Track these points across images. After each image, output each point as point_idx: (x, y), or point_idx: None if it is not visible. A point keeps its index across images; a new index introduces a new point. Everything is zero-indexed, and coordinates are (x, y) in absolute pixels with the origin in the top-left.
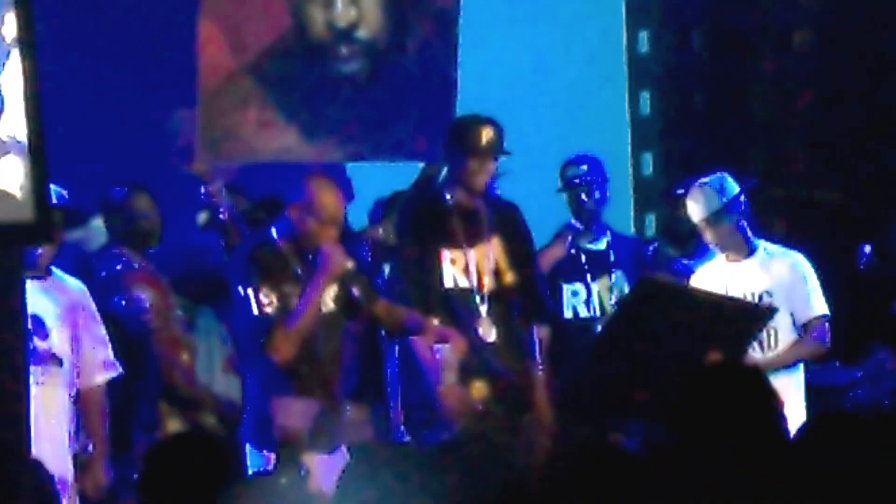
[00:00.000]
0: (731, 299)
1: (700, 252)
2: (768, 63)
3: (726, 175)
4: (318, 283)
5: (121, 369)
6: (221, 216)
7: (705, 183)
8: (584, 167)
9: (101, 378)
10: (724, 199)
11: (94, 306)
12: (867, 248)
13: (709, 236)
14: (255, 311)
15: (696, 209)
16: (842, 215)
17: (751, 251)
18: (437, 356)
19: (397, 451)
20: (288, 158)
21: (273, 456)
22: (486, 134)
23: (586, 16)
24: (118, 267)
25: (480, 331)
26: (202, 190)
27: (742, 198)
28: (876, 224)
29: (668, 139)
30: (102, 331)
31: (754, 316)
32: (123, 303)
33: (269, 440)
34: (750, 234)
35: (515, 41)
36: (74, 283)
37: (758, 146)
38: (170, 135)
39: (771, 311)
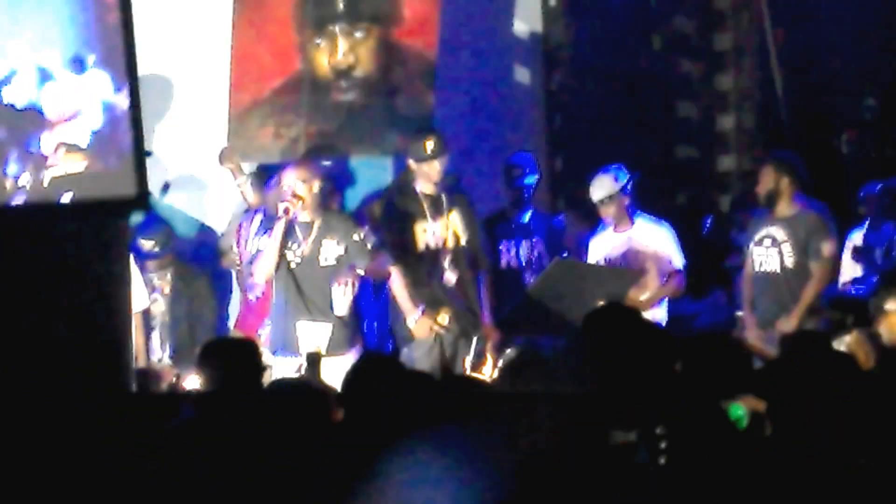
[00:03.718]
0: (612, 268)
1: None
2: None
3: (621, 167)
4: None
5: None
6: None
7: (605, 172)
8: (520, 162)
9: None
10: (617, 185)
11: None
12: (709, 220)
13: (604, 212)
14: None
15: (597, 191)
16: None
17: (632, 223)
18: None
19: None
20: (294, 158)
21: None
22: (430, 143)
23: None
24: None
25: (444, 276)
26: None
27: (629, 185)
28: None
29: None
30: None
31: (628, 277)
32: None
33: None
34: (630, 211)
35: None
36: None
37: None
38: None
39: (638, 275)
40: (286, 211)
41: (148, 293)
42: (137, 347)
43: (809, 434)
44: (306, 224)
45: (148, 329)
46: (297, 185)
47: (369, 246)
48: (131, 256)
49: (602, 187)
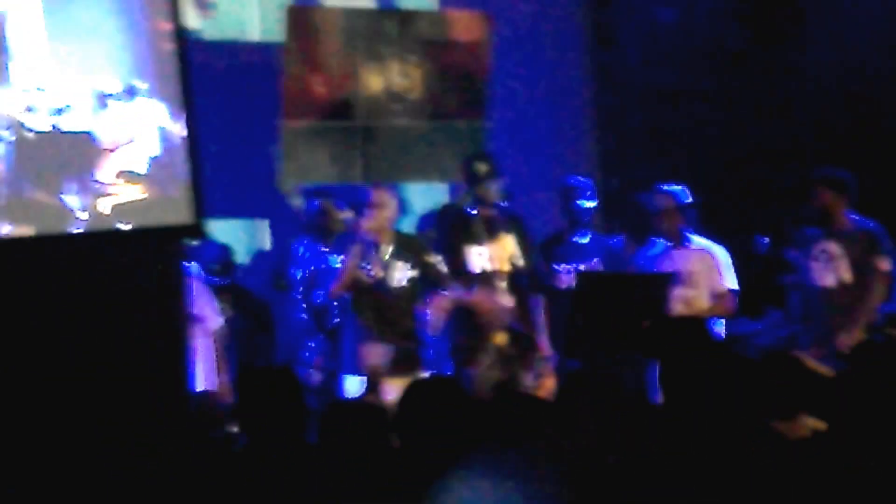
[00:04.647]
0: (636, 274)
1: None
2: None
3: (682, 185)
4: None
5: None
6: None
7: (665, 187)
8: (578, 185)
9: None
10: (675, 201)
11: None
12: (764, 240)
13: (659, 227)
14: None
15: (656, 204)
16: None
17: (685, 242)
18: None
19: None
20: (355, 181)
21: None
22: (482, 167)
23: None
24: None
25: (501, 300)
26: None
27: (687, 202)
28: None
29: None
30: None
31: (659, 281)
32: None
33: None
34: (685, 229)
35: None
36: None
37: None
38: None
39: (669, 277)
40: (368, 232)
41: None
42: (209, 368)
43: (872, 451)
44: (378, 246)
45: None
46: (379, 208)
47: (444, 269)
48: (198, 280)
49: (661, 201)
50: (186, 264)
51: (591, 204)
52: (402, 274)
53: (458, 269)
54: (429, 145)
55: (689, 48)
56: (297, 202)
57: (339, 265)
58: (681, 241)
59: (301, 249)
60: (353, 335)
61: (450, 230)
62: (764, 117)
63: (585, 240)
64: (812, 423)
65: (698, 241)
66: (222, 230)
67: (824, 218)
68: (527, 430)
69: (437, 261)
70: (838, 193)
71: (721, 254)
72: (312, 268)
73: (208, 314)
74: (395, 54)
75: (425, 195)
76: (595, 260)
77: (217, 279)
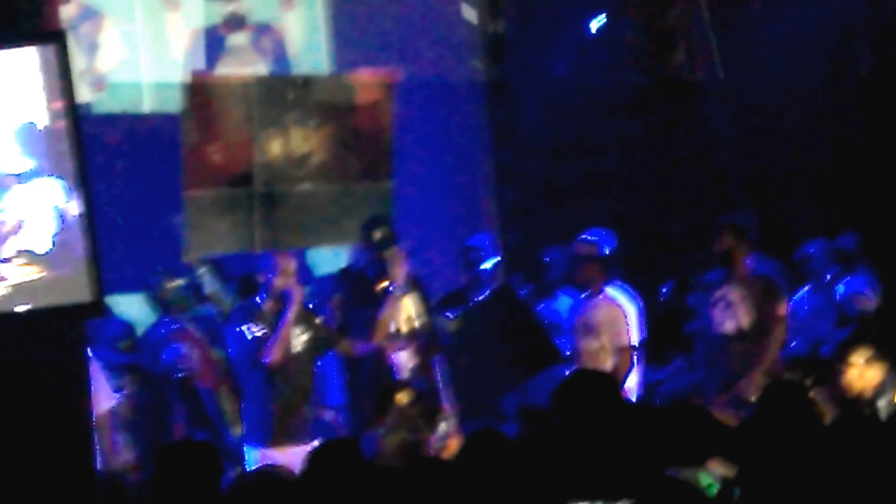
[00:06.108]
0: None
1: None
2: None
3: (606, 232)
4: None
5: None
6: (206, 290)
7: (590, 234)
8: (478, 245)
9: None
10: (597, 249)
11: None
12: (667, 287)
13: (580, 275)
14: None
15: (580, 250)
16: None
17: (601, 291)
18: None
19: None
20: (256, 249)
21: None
22: (378, 234)
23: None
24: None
25: (402, 360)
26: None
27: (607, 251)
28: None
29: None
30: None
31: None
32: None
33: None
34: (603, 278)
35: None
36: None
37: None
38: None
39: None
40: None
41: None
42: (105, 448)
43: (780, 496)
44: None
45: (114, 430)
46: (282, 274)
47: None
48: (92, 358)
49: (583, 249)
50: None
51: (491, 262)
52: (298, 339)
53: (365, 331)
54: (332, 209)
55: (586, 100)
56: (202, 273)
57: (258, 334)
58: (597, 291)
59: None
60: (256, 402)
61: (352, 294)
62: (664, 166)
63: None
64: (722, 469)
65: (610, 292)
66: (126, 305)
67: (726, 263)
68: (433, 495)
69: (323, 321)
70: (740, 238)
71: (630, 307)
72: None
73: (101, 394)
74: (295, 119)
75: (329, 259)
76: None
77: (121, 356)
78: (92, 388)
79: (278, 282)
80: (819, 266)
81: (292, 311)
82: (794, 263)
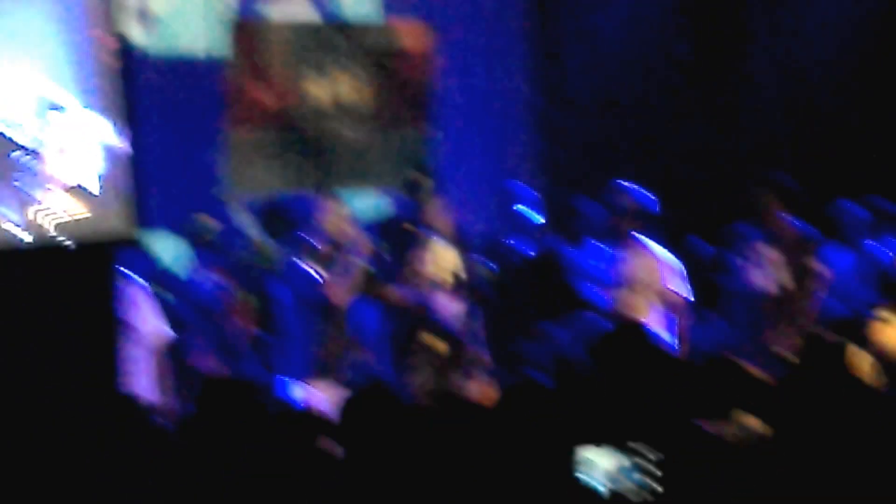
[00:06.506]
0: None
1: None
2: None
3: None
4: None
5: None
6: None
7: (626, 187)
8: (515, 191)
9: None
10: (634, 202)
11: None
12: (705, 244)
13: (616, 228)
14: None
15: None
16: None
17: (639, 244)
18: None
19: None
20: (298, 191)
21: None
22: (420, 179)
23: None
24: None
25: (440, 307)
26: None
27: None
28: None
29: None
30: None
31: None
32: None
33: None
34: (638, 231)
35: None
36: None
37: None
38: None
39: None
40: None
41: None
42: (156, 377)
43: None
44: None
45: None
46: (333, 216)
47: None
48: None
49: (623, 201)
50: (131, 276)
51: (526, 208)
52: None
53: (401, 277)
54: (374, 155)
55: (632, 59)
56: (242, 214)
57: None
58: (633, 244)
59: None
60: (299, 340)
61: (392, 240)
62: (707, 126)
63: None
64: (754, 425)
65: (650, 245)
66: (167, 244)
67: (762, 220)
68: (467, 437)
69: (366, 266)
70: (778, 197)
71: (671, 260)
72: None
73: (151, 326)
74: (340, 66)
75: (369, 204)
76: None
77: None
78: (141, 318)
79: (332, 226)
80: (855, 227)
81: (360, 257)
82: (828, 224)
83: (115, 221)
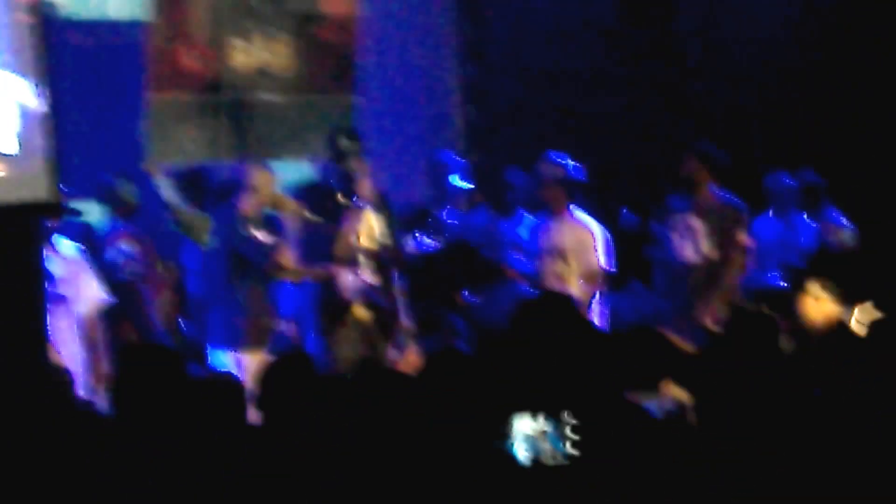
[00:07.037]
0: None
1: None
2: None
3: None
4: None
5: None
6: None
7: (554, 156)
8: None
9: None
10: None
11: None
12: (631, 214)
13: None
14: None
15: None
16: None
17: (567, 214)
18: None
19: None
20: (220, 158)
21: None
22: (347, 143)
23: None
24: None
25: (363, 273)
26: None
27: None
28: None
29: None
30: None
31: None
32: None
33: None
34: (567, 201)
35: None
36: None
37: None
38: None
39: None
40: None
41: None
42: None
43: (736, 423)
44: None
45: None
46: (259, 187)
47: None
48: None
49: (551, 171)
50: (61, 240)
51: (464, 185)
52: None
53: (325, 243)
54: (297, 120)
55: (558, 28)
56: (163, 181)
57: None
58: (562, 214)
59: None
60: (226, 308)
61: (315, 206)
62: (633, 95)
63: (446, 213)
64: (676, 394)
65: (579, 215)
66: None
67: (690, 190)
68: (389, 406)
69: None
70: (706, 166)
71: (599, 231)
72: None
73: (85, 292)
74: (264, 31)
75: (293, 171)
76: (456, 234)
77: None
78: (73, 284)
79: (259, 193)
80: (786, 198)
81: (294, 223)
82: (759, 195)
83: (37, 184)
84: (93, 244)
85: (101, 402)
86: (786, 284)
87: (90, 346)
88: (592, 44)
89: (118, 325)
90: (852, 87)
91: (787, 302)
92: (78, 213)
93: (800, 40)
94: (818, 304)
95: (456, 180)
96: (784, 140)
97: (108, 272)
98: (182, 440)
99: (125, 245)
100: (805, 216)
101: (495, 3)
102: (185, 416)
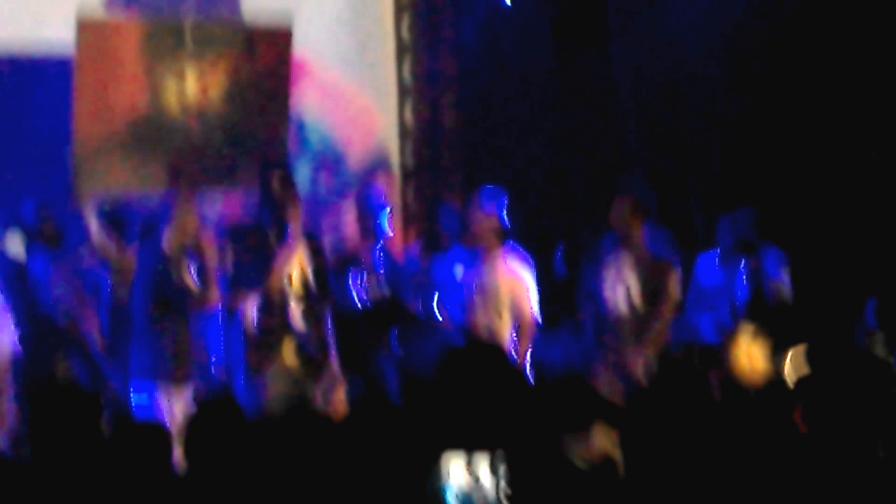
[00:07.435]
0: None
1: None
2: None
3: (500, 191)
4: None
5: None
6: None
7: (485, 194)
8: (372, 196)
9: None
10: (494, 209)
11: None
12: (560, 250)
13: (475, 235)
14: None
15: (476, 213)
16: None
17: (500, 253)
18: None
19: None
20: (146, 190)
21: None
22: (276, 180)
23: None
24: None
25: (290, 311)
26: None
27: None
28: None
29: None
30: None
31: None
32: None
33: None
34: (500, 239)
35: None
36: None
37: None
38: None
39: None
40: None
41: None
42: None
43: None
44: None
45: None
46: (183, 218)
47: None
48: None
49: (484, 208)
50: None
51: (383, 218)
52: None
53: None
54: (230, 154)
55: (496, 62)
56: (90, 216)
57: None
58: (492, 254)
59: None
60: (149, 343)
61: (245, 241)
62: (568, 131)
63: (376, 252)
64: (604, 443)
65: (511, 259)
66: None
67: (621, 234)
68: (316, 451)
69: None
70: (636, 211)
71: (530, 277)
72: None
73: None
74: (195, 63)
75: (225, 204)
76: (382, 272)
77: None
78: None
79: (182, 227)
80: (724, 240)
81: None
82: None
83: None
84: (15, 279)
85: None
86: (718, 332)
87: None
88: (529, 82)
89: (43, 359)
90: (792, 124)
91: (718, 351)
92: None
93: (741, 70)
94: (750, 354)
95: (385, 220)
96: (723, 175)
97: (39, 306)
98: (105, 487)
99: (59, 277)
100: (742, 262)
101: (432, 42)
102: (109, 461)
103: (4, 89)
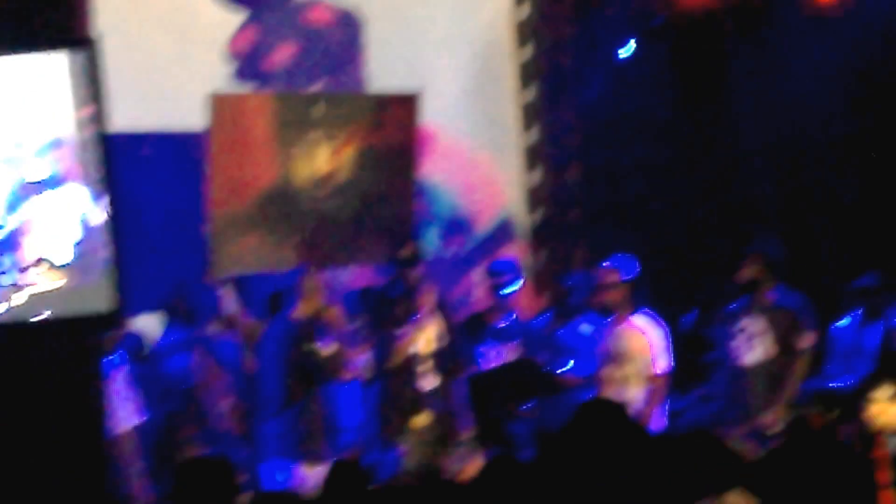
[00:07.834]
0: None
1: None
2: None
3: (629, 258)
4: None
5: None
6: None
7: (614, 260)
8: (503, 269)
9: None
10: (623, 275)
11: None
12: (689, 316)
13: (605, 300)
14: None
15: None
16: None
17: (629, 318)
18: None
19: None
20: (280, 268)
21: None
22: (407, 251)
23: None
24: None
25: (423, 381)
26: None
27: (633, 276)
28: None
29: None
30: None
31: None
32: None
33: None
34: (630, 304)
35: None
36: None
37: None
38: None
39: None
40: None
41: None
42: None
43: None
44: None
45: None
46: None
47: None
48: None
49: (606, 275)
50: (112, 356)
51: (513, 287)
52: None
53: (386, 349)
54: (357, 228)
55: (619, 121)
56: (226, 292)
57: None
58: (622, 318)
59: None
60: (283, 419)
61: (377, 311)
62: (693, 192)
63: (507, 322)
64: (739, 502)
65: (637, 319)
66: (148, 320)
67: (750, 292)
68: None
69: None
70: (765, 268)
71: (658, 335)
72: None
73: (126, 411)
74: (320, 137)
75: (356, 278)
76: (515, 342)
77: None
78: (116, 404)
79: (311, 302)
80: (856, 297)
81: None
82: (840, 294)
83: (95, 295)
84: (143, 356)
85: None
86: (852, 388)
87: (123, 465)
88: (649, 141)
89: (178, 433)
90: None
91: (852, 406)
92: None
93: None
94: (885, 409)
95: (513, 288)
96: (844, 236)
97: (166, 381)
98: None
99: (186, 353)
100: (875, 321)
101: (557, 106)
102: None
103: (140, 166)
